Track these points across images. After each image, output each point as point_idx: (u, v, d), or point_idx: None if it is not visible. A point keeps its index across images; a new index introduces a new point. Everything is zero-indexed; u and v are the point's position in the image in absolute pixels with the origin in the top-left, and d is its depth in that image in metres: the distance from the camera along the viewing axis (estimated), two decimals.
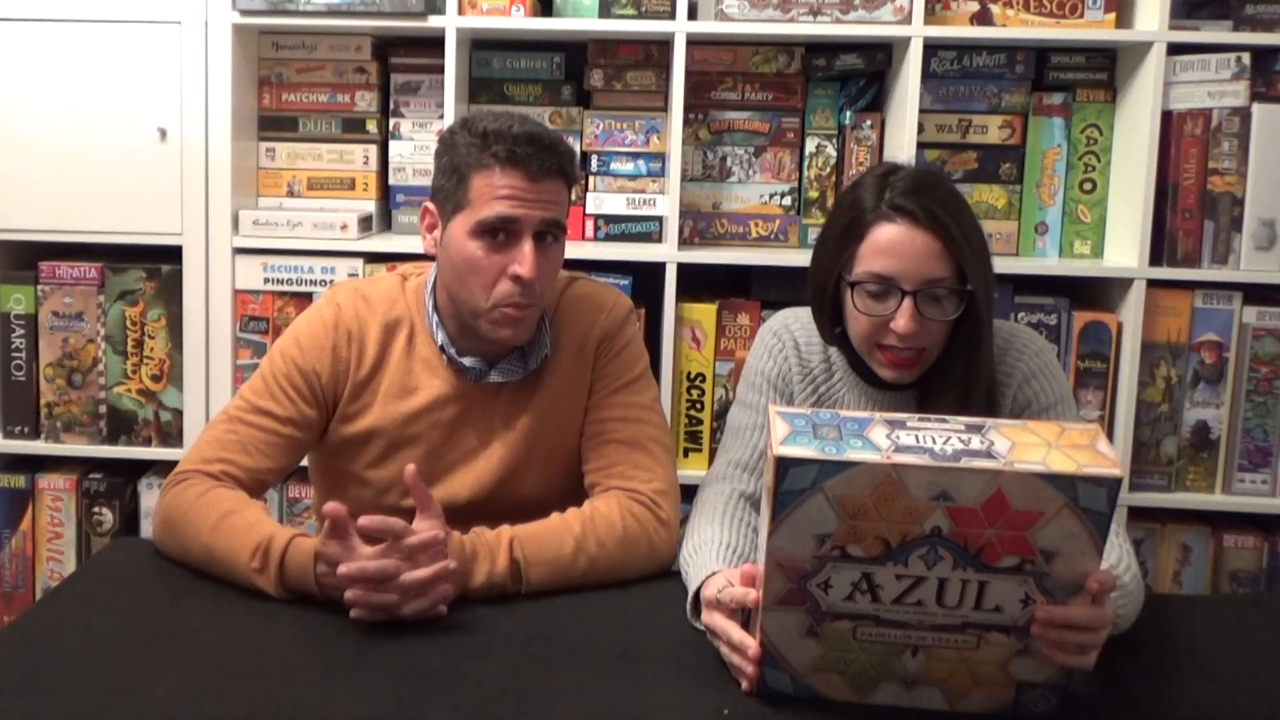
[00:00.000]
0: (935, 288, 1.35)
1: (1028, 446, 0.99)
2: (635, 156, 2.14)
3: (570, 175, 1.43)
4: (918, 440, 1.00)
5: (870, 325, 1.38)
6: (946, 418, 1.04)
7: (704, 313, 2.07)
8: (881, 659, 1.07)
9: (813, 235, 2.14)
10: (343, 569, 1.21)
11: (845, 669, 1.08)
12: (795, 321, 1.53)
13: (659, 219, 2.13)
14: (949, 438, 1.00)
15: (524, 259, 1.38)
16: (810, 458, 0.97)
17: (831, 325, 1.45)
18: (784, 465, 0.98)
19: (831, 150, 2.14)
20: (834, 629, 1.06)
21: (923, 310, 1.35)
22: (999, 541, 0.99)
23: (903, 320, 1.34)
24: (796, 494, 0.99)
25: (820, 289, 1.44)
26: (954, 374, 1.40)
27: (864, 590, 1.03)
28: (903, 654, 1.06)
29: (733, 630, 1.13)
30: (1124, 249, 2.04)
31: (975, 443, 0.99)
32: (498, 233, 1.38)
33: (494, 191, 1.37)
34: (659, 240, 2.13)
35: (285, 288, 2.08)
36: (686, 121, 2.08)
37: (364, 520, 1.24)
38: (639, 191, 2.14)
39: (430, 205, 1.46)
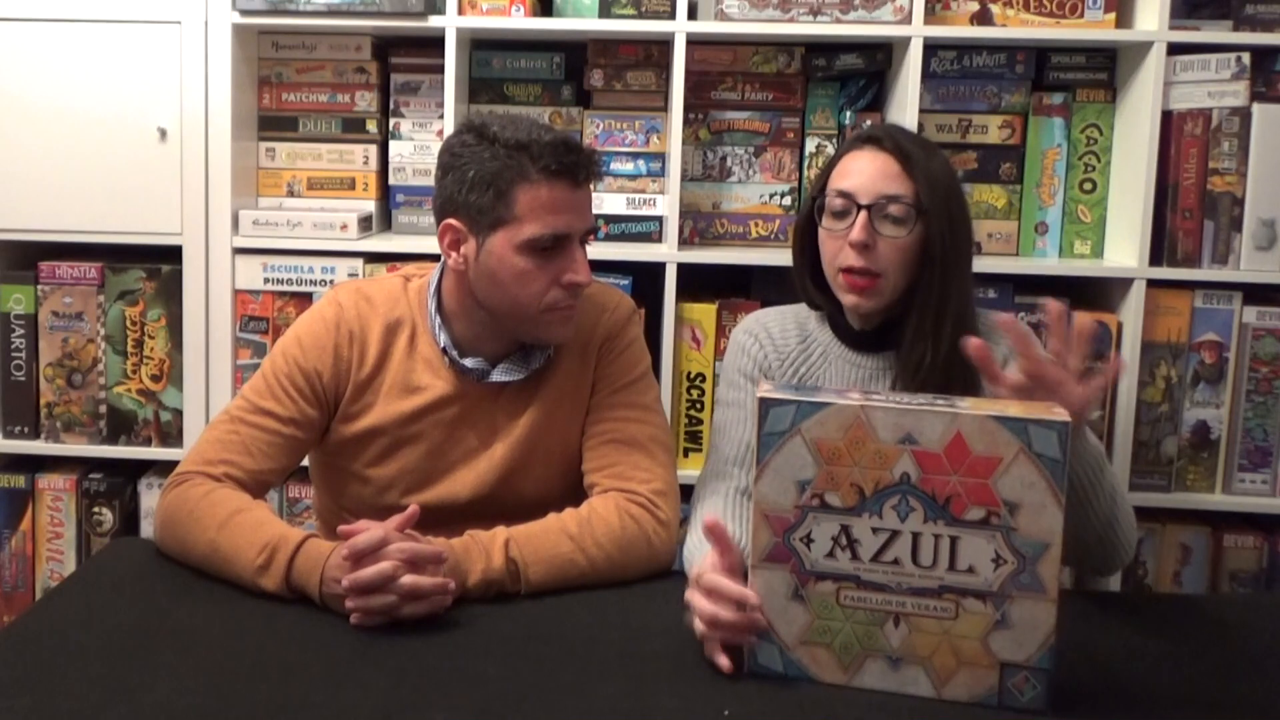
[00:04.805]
0: (890, 204, 1.42)
1: (987, 405, 1.10)
2: (635, 156, 2.14)
3: (600, 176, 1.47)
4: (886, 400, 1.10)
5: (833, 246, 1.45)
6: (918, 395, 1.14)
7: (704, 313, 2.07)
8: (865, 629, 1.11)
9: None
10: (344, 582, 1.22)
11: (831, 640, 1.12)
12: (765, 316, 1.59)
13: (659, 219, 2.13)
14: (917, 401, 1.10)
15: (579, 267, 1.41)
16: (788, 399, 1.09)
17: (809, 275, 1.52)
18: (765, 406, 1.10)
19: (831, 150, 2.14)
20: (818, 591, 1.11)
21: (878, 228, 1.42)
22: (964, 490, 1.07)
23: (856, 231, 1.41)
24: (777, 436, 1.10)
25: (800, 230, 1.52)
26: (922, 308, 1.44)
27: (844, 545, 1.10)
28: (885, 623, 1.11)
29: (729, 585, 1.13)
30: (1124, 249, 2.04)
31: (940, 404, 1.09)
32: (549, 246, 1.39)
33: (543, 206, 1.37)
34: (659, 240, 2.13)
35: (285, 288, 2.08)
36: (686, 121, 2.08)
37: (343, 529, 1.28)
38: (639, 191, 2.14)
39: (454, 222, 1.41)
